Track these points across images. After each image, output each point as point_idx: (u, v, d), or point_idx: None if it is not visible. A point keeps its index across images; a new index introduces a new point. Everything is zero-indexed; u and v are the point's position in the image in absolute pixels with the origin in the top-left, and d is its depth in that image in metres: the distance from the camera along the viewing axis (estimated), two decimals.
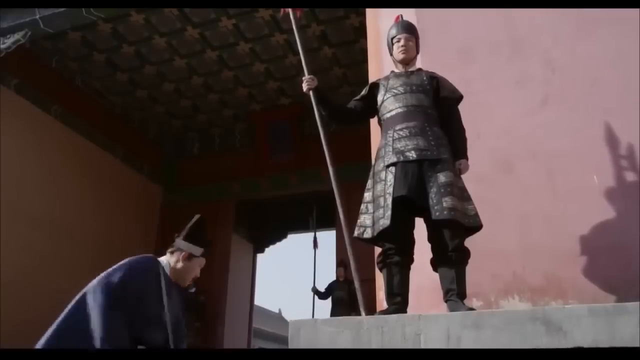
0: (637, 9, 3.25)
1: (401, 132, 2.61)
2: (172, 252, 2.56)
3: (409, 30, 2.89)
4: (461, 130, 2.76)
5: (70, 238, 7.89)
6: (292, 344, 2.15)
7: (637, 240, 2.82)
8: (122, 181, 9.16)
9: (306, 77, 2.95)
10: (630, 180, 3.01)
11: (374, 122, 3.16)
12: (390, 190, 2.49)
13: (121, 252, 10.17)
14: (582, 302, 2.64)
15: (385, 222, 2.44)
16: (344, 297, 6.92)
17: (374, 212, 2.55)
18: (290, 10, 3.29)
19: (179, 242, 2.56)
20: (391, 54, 2.93)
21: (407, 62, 2.85)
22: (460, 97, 2.80)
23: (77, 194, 8.13)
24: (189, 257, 2.54)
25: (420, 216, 2.57)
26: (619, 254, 2.86)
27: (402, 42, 2.84)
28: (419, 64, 2.96)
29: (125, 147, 9.31)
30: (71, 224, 7.97)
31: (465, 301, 2.40)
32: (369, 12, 4.29)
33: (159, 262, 2.49)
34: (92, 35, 7.61)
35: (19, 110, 7.34)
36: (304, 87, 2.94)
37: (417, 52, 2.93)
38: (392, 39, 2.90)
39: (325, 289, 7.35)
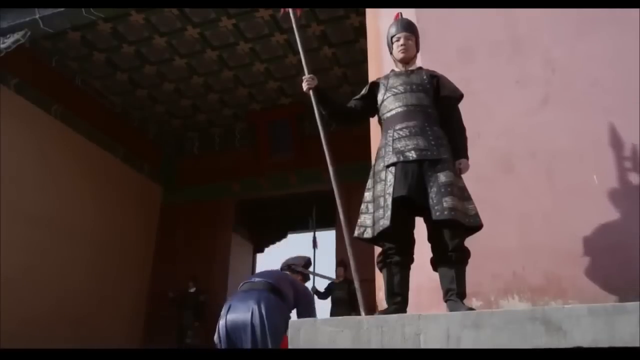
0: (637, 9, 3.25)
1: (401, 132, 2.60)
2: (293, 272, 3.65)
3: (409, 28, 2.87)
4: (461, 129, 2.75)
5: (70, 237, 7.88)
6: (292, 344, 2.15)
7: (637, 240, 2.81)
8: (122, 181, 9.16)
9: (306, 76, 2.94)
10: (630, 180, 3.01)
11: (374, 121, 3.15)
12: (390, 190, 2.49)
13: (121, 251, 10.18)
14: (582, 302, 2.63)
15: (385, 222, 2.44)
16: (343, 297, 6.91)
17: (374, 212, 2.55)
18: (290, 10, 3.29)
19: (301, 268, 3.73)
20: (391, 53, 2.91)
21: (407, 61, 2.84)
22: (460, 96, 2.79)
23: (77, 193, 8.13)
24: (303, 280, 3.74)
25: (420, 216, 2.57)
26: (619, 254, 2.86)
27: (401, 41, 2.82)
28: (419, 63, 2.95)
29: (125, 147, 9.30)
30: (71, 223, 7.97)
31: (465, 301, 2.40)
32: (369, 12, 4.29)
33: None
34: (92, 35, 7.61)
35: (19, 110, 7.34)
36: (304, 86, 2.92)
37: (417, 51, 2.91)
38: (391, 37, 2.88)
39: (325, 288, 7.33)
